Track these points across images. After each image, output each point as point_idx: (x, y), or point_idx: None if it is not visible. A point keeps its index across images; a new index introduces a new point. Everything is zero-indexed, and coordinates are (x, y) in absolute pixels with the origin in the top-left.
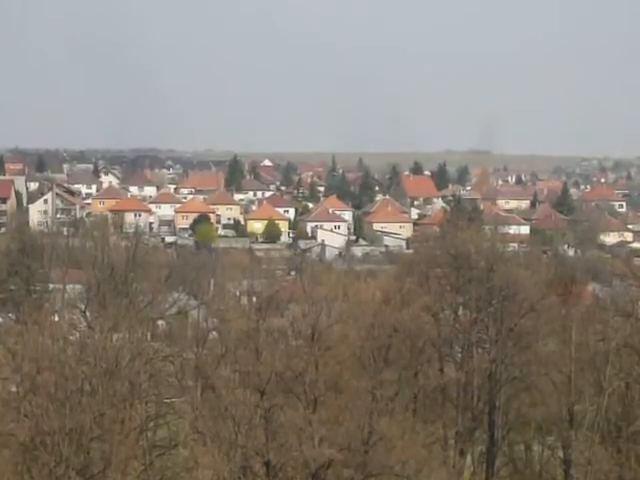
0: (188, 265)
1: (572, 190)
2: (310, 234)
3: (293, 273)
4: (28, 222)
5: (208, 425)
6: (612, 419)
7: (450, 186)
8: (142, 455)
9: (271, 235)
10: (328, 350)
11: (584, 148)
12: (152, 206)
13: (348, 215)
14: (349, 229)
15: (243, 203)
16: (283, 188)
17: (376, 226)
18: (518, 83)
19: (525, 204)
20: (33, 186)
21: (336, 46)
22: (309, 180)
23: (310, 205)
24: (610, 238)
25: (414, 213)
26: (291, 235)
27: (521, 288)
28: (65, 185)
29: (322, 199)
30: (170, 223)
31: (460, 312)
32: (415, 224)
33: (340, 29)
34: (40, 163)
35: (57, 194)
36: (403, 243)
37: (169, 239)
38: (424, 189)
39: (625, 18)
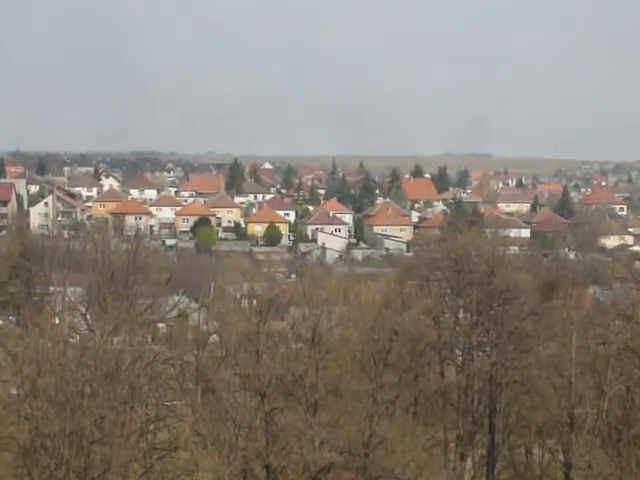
0: (188, 268)
1: (573, 193)
2: (310, 237)
3: (294, 276)
4: (29, 225)
5: (208, 428)
6: (613, 423)
7: (450, 189)
8: (142, 458)
9: (271, 238)
10: (328, 353)
11: (585, 151)
12: (153, 209)
13: (348, 218)
14: (349, 232)
15: (244, 206)
16: (284, 191)
17: (376, 229)
18: (519, 86)
19: (526, 207)
20: (34, 189)
21: (336, 50)
22: (309, 183)
23: (310, 208)
24: (611, 241)
25: (414, 216)
26: (291, 238)
27: (522, 291)
28: (66, 188)
29: (322, 202)
30: (171, 226)
31: (460, 315)
32: (415, 227)
33: (340, 34)
34: (41, 166)
35: (58, 197)
36: (403, 246)
37: (170, 242)
38: (424, 192)
39: (626, 21)
